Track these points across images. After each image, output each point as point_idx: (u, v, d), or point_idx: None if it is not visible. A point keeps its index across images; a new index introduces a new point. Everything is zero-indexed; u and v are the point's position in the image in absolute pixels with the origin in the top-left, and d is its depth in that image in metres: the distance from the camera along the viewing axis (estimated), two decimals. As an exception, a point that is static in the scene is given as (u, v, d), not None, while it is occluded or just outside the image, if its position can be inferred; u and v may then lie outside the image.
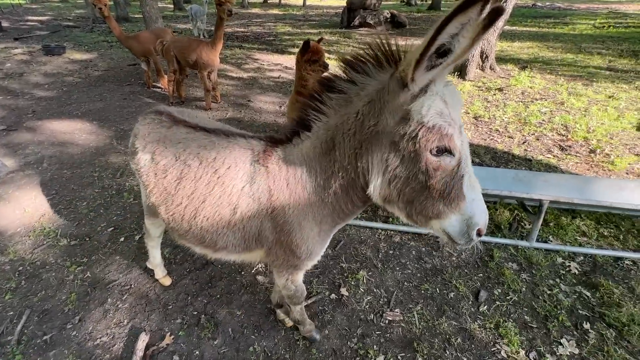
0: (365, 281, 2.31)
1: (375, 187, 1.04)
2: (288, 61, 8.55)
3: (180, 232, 1.52)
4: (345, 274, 2.35)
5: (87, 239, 2.66)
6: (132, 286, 2.26)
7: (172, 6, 20.24)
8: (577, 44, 10.18)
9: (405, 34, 12.63)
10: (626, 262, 2.51)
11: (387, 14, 13.78)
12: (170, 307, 2.12)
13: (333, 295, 2.19)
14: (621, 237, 2.74)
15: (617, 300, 2.18)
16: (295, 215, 1.28)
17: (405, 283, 2.31)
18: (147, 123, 1.59)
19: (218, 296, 2.19)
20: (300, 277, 1.62)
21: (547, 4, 23.49)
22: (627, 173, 3.71)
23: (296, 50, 9.89)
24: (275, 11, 21.27)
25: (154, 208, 1.58)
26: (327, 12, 20.54)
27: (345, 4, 14.18)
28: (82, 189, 3.28)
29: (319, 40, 2.81)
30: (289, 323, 2.02)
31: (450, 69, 0.88)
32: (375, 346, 1.90)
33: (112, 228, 2.78)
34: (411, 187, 0.97)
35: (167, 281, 2.29)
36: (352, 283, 2.29)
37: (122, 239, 2.66)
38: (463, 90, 6.28)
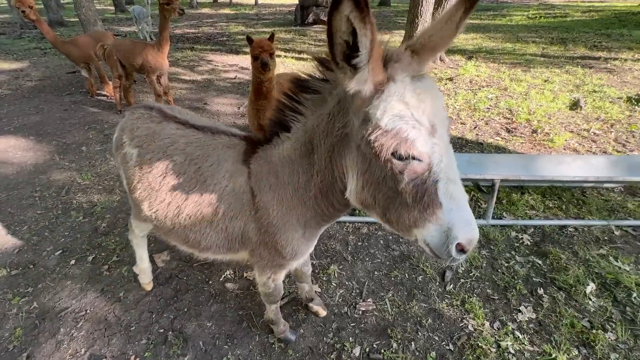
0: (336, 275, 2.32)
1: (352, 192, 0.99)
2: (244, 61, 8.35)
3: (165, 231, 1.49)
4: (317, 271, 2.35)
5: (31, 266, 2.40)
6: (88, 311, 2.08)
7: (112, 8, 18.90)
8: (515, 34, 11.02)
9: (359, 30, 12.87)
10: (569, 229, 2.76)
11: (340, 10, 13.92)
12: (133, 327, 1.98)
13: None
14: (563, 207, 3.01)
15: (564, 264, 2.39)
16: (279, 217, 1.25)
17: (376, 272, 2.36)
18: (136, 118, 1.55)
19: (185, 310, 2.08)
20: (282, 276, 1.58)
21: (486, -3, 25.12)
22: (564, 149, 4.08)
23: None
24: (226, 11, 20.66)
25: (137, 204, 1.51)
26: (280, 10, 20.34)
27: (297, 2, 14.13)
28: (21, 212, 2.96)
29: (270, 37, 2.72)
30: (323, 313, 2.02)
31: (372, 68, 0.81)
32: (351, 338, 1.92)
33: (60, 251, 2.54)
34: (383, 193, 0.91)
35: (148, 287, 2.20)
36: (324, 279, 2.29)
37: (72, 262, 2.43)
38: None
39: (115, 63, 4.76)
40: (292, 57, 8.61)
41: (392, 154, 0.83)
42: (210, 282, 2.27)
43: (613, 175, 2.84)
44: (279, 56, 8.75)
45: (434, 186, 0.84)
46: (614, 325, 1.98)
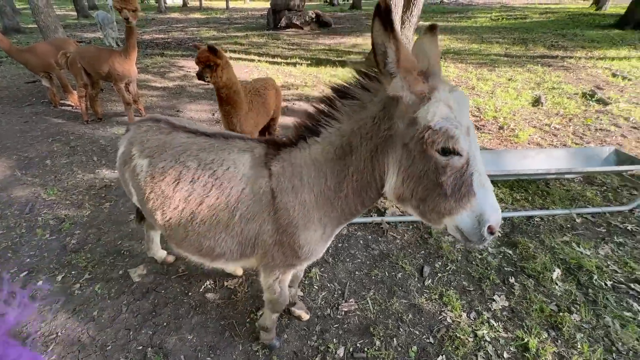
0: (318, 278, 2.33)
1: (391, 187, 1.09)
2: (217, 66, 8.21)
3: (177, 240, 1.47)
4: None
5: (-7, 291, 2.25)
6: (59, 334, 1.98)
7: (75, 13, 18.04)
8: (480, 35, 11.54)
9: (331, 33, 13.03)
10: (536, 219, 2.93)
11: (312, 14, 14.06)
12: (110, 347, 1.90)
13: (288, 298, 2.17)
14: (530, 198, 3.19)
15: (532, 253, 2.53)
16: (300, 217, 1.27)
17: (357, 272, 2.39)
18: (144, 130, 1.56)
19: (165, 324, 2.03)
20: (289, 277, 1.59)
21: (452, 0, 26.17)
22: (528, 143, 4.32)
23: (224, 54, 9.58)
24: (196, 15, 20.27)
25: (150, 217, 1.51)
26: (252, 15, 20.22)
27: (269, 6, 14.11)
28: (-21, 233, 2.76)
29: (210, 49, 2.55)
30: (306, 316, 2.02)
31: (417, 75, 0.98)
32: (334, 339, 1.94)
33: (26, 272, 2.39)
34: (423, 185, 1.02)
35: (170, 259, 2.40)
36: (306, 282, 2.29)
37: (39, 283, 2.30)
38: (390, 83, 6.70)
39: (80, 71, 4.56)
40: (266, 62, 8.59)
41: (438, 150, 0.96)
42: (190, 293, 2.22)
43: (572, 167, 3.05)
44: (253, 60, 8.71)
45: (470, 178, 0.98)
46: (578, 307, 2.11)
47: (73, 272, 2.40)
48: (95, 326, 2.02)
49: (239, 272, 2.34)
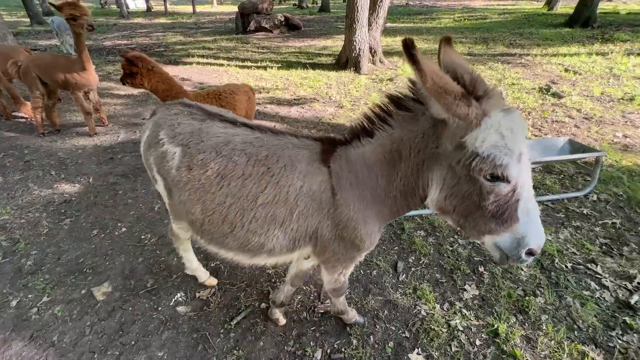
0: (293, 281, 2.31)
1: (433, 200, 1.14)
2: (184, 72, 8.02)
3: (217, 235, 1.42)
4: (273, 280, 2.32)
5: (-64, 323, 2.04)
6: (14, 364, 1.83)
7: (28, 20, 16.95)
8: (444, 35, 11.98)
9: (301, 36, 13.06)
10: (501, 209, 3.05)
11: (282, 17, 14.02)
12: (72, 373, 1.78)
13: (263, 305, 2.13)
14: (495, 190, 3.32)
15: (499, 241, 2.63)
16: (360, 212, 1.30)
17: (332, 273, 2.39)
18: (174, 114, 1.52)
19: (133, 343, 1.92)
20: (351, 269, 1.63)
21: (417, 2, 27.03)
22: (492, 137, 4.52)
23: (191, 59, 9.35)
24: (161, 20, 19.65)
25: (182, 207, 1.47)
26: (220, 19, 19.88)
27: (237, 10, 13.94)
28: None
29: (137, 58, 2.80)
30: (282, 321, 2.01)
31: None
32: (312, 342, 1.92)
33: (-26, 300, 2.20)
34: (465, 205, 1.05)
35: (213, 282, 2.25)
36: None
37: (-10, 311, 2.12)
38: (360, 84, 6.80)
39: (34, 80, 4.27)
40: (236, 66, 8.47)
41: (484, 176, 0.97)
42: (160, 308, 2.12)
43: (531, 157, 3.20)
44: (222, 65, 8.56)
45: (515, 204, 0.99)
46: (542, 290, 2.22)
47: (30, 296, 2.23)
48: (56, 352, 1.88)
49: (213, 282, 2.27)
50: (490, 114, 0.95)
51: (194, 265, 2.19)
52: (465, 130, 0.97)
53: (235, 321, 2.01)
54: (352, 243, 1.37)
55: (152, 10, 25.46)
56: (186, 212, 1.47)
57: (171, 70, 8.33)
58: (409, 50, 0.91)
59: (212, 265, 2.45)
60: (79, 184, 3.53)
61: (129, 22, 18.39)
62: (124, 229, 2.84)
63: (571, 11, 13.00)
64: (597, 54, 8.06)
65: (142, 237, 2.74)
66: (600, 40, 9.65)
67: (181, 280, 2.31)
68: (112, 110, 5.61)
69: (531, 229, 0.99)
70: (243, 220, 1.34)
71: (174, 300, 2.17)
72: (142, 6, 26.88)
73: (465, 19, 16.12)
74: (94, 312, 2.10)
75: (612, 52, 8.07)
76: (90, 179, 3.61)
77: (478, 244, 2.65)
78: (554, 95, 5.77)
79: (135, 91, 6.63)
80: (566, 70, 7.11)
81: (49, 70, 4.18)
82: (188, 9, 25.64)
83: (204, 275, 2.24)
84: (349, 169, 1.28)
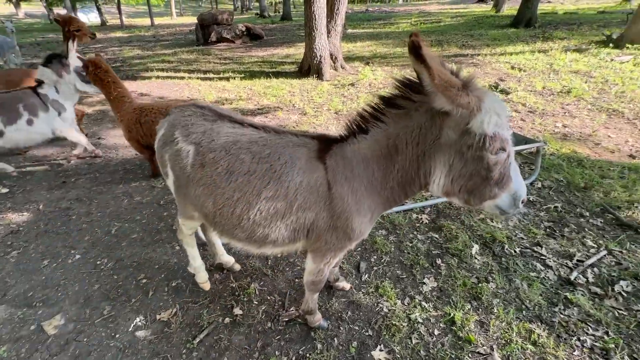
0: (257, 293, 2.30)
1: (439, 186, 1.26)
2: (143, 87, 7.78)
3: (227, 227, 1.54)
4: (237, 293, 2.29)
5: None
6: (-48, 415, 1.68)
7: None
8: (402, 39, 12.46)
9: (263, 45, 13.09)
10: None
11: (243, 27, 13.98)
12: (20, 416, 1.66)
13: (227, 319, 2.11)
14: (451, 184, 3.50)
15: (455, 234, 2.78)
16: (353, 204, 1.40)
17: (297, 280, 2.41)
18: (188, 115, 1.65)
19: (88, 375, 1.83)
20: (337, 259, 1.73)
21: (376, 8, 28.00)
22: (448, 134, 4.76)
23: (150, 73, 9.08)
24: (118, 34, 18.96)
25: (197, 201, 1.58)
26: (181, 30, 19.49)
27: (196, 21, 13.75)
28: None
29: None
30: (347, 286, 2.27)
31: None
32: (277, 352, 1.92)
33: None
34: (473, 182, 1.20)
35: (207, 286, 2.29)
36: (245, 299, 2.25)
37: None
38: (322, 90, 6.92)
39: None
40: (198, 78, 8.33)
41: (491, 151, 1.12)
42: (117, 335, 2.04)
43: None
44: (183, 78, 8.38)
45: (509, 167, 1.19)
46: (494, 276, 2.37)
47: (-31, 338, 2.06)
48: (1, 395, 1.75)
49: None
50: (483, 99, 1.11)
51: (197, 263, 2.22)
52: (469, 117, 1.11)
53: (198, 339, 1.97)
54: (344, 232, 1.47)
55: (107, 24, 24.51)
56: (201, 206, 1.59)
57: (129, 86, 7.99)
58: (417, 51, 1.03)
59: (173, 284, 2.39)
60: (28, 212, 3.31)
61: (82, 38, 17.55)
62: (77, 256, 2.70)
63: (515, 13, 13.99)
64: (539, 51, 8.73)
65: (98, 262, 2.62)
66: (541, 38, 10.46)
67: (140, 304, 2.23)
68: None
69: (519, 183, 1.20)
70: (249, 213, 1.45)
71: (132, 325, 2.10)
72: (96, 20, 25.80)
73: (421, 23, 16.89)
74: (45, 348, 1.98)
75: (551, 49, 8.77)
76: (41, 206, 3.40)
77: (436, 237, 2.78)
78: (502, 91, 6.18)
79: (89, 109, 6.36)
80: (512, 67, 7.63)
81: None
82: (146, 21, 24.94)
83: (203, 276, 2.27)
84: (344, 164, 1.39)
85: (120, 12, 24.19)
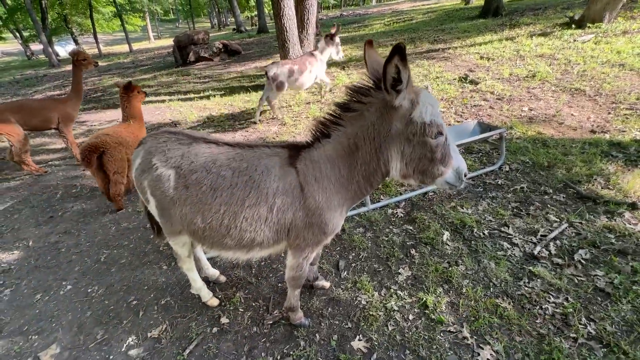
0: (243, 300, 2.42)
1: (397, 170, 1.48)
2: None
3: (217, 238, 1.68)
4: (223, 303, 2.41)
5: None
6: None
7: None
8: (376, 40, 12.74)
9: (242, 60, 13.29)
10: (429, 194, 3.38)
11: (220, 44, 14.19)
12: None
13: (215, 329, 2.22)
14: (424, 177, 3.67)
15: (428, 224, 2.93)
16: (324, 201, 1.57)
17: (280, 284, 2.53)
18: (163, 141, 1.75)
19: (85, 396, 1.93)
20: (314, 254, 1.85)
21: (350, 12, 28.49)
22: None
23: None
24: (99, 64, 19.03)
25: (184, 220, 1.69)
26: (159, 54, 19.65)
27: (172, 43, 13.92)
28: None
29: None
30: (327, 284, 2.44)
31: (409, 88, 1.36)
32: (263, 353, 2.04)
33: None
34: (422, 163, 1.41)
35: (214, 302, 2.38)
36: (231, 308, 2.36)
37: None
38: (300, 99, 7.09)
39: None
40: (178, 99, 8.47)
41: (431, 136, 1.35)
42: (111, 357, 2.13)
43: (446, 144, 3.58)
44: (163, 101, 8.51)
45: (448, 147, 1.41)
46: (464, 260, 2.52)
47: (-30, 377, 2.14)
48: None
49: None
50: (419, 93, 1.36)
51: (198, 285, 2.33)
52: (411, 109, 1.35)
53: (187, 351, 2.08)
54: (319, 228, 1.63)
55: (78, 47, 24.56)
56: (188, 224, 1.71)
57: (111, 115, 8.17)
58: (403, 54, 1.23)
59: (162, 302, 2.50)
60: (18, 250, 3.39)
61: (61, 71, 17.63)
62: (69, 287, 2.79)
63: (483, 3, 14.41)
64: (506, 39, 9.03)
65: (89, 290, 2.72)
66: (508, 26, 10.78)
67: (131, 325, 2.33)
68: (49, 164, 5.41)
69: (459, 159, 1.44)
70: (236, 222, 1.60)
71: (125, 345, 2.20)
72: (74, 52, 25.82)
73: (394, 23, 17.26)
74: (42, 377, 2.07)
75: (518, 36, 9.07)
76: (30, 243, 3.49)
77: (410, 229, 2.93)
78: (471, 82, 6.40)
79: (79, 140, 6.42)
80: (481, 57, 7.90)
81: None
82: (124, 48, 25.06)
83: (207, 295, 2.38)
84: (312, 166, 1.56)
85: (97, 41, 24.33)
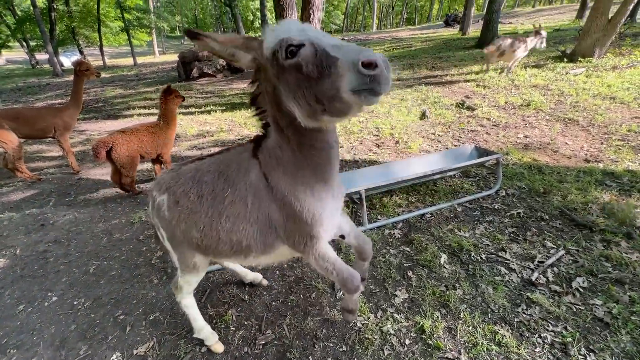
0: (234, 319, 2.34)
1: (301, 116, 1.23)
2: (124, 125, 7.88)
3: (213, 245, 1.65)
4: (214, 321, 2.33)
5: None
6: None
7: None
8: (376, 65, 13.14)
9: (244, 77, 13.56)
10: (427, 215, 3.38)
11: (223, 62, 14.51)
12: None
13: (204, 348, 2.13)
14: (422, 199, 3.68)
15: (425, 246, 2.91)
16: (288, 187, 1.48)
17: (273, 303, 2.47)
18: (161, 177, 1.80)
19: (62, 417, 1.81)
20: (323, 247, 1.65)
21: (352, 37, 29.49)
22: (419, 151, 5.02)
23: (132, 112, 9.27)
24: (101, 75, 19.29)
25: (185, 237, 1.70)
26: (163, 68, 20.01)
27: (177, 59, 14.22)
28: None
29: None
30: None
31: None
32: (253, 375, 1.96)
33: None
34: (309, 92, 1.11)
35: (219, 348, 2.12)
36: (222, 326, 2.28)
37: None
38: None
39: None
40: (180, 113, 8.52)
41: (288, 57, 1.11)
42: (93, 374, 2.04)
43: (443, 167, 3.63)
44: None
45: (325, 53, 1.06)
46: (461, 283, 2.49)
47: (-60, 392, 2.02)
48: None
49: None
50: (265, 36, 1.23)
51: (199, 324, 2.10)
52: (261, 52, 1.23)
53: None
54: (296, 217, 1.50)
55: (81, 57, 24.95)
56: (188, 240, 1.70)
57: (111, 125, 8.20)
58: (194, 35, 1.20)
59: (151, 317, 2.41)
60: (4, 258, 3.29)
61: (64, 81, 17.80)
62: (54, 299, 2.69)
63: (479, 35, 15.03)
64: (502, 69, 9.36)
65: (75, 302, 2.62)
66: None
67: (117, 340, 2.24)
68: (44, 172, 5.35)
69: (349, 53, 1.03)
70: (222, 223, 1.59)
71: (109, 363, 2.10)
72: (79, 63, 26.22)
73: (394, 49, 17.88)
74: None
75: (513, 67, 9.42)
76: (17, 251, 3.39)
77: (407, 251, 2.90)
78: (468, 108, 6.57)
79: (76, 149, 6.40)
80: (477, 85, 8.15)
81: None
82: (129, 61, 25.51)
83: (211, 338, 2.11)
84: (269, 154, 1.50)
85: (102, 54, 24.78)
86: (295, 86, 1.16)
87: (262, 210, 1.56)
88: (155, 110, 9.06)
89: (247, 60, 1.29)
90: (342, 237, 1.97)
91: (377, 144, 5.43)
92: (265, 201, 1.54)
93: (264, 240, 1.62)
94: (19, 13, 26.51)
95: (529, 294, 2.34)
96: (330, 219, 1.60)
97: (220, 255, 1.73)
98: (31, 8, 20.34)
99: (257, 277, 2.61)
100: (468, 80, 8.71)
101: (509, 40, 7.95)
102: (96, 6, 23.12)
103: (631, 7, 8.57)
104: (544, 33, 7.86)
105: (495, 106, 6.52)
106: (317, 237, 1.59)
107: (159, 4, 41.22)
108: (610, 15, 8.78)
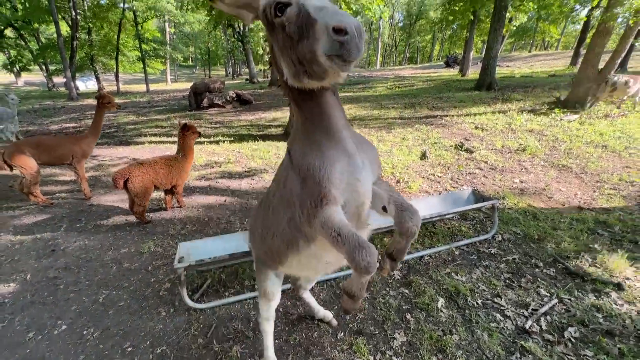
0: (239, 355, 2.42)
1: (287, 75, 1.23)
2: (135, 152, 8.23)
3: (269, 243, 1.74)
4: (219, 357, 2.41)
5: None
6: None
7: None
8: (379, 102, 13.76)
9: (252, 109, 14.16)
10: (425, 258, 3.52)
11: (233, 94, 15.22)
12: None
13: (208, 384, 2.21)
14: (421, 240, 3.83)
15: (423, 288, 3.02)
16: (301, 150, 1.41)
17: (276, 341, 2.54)
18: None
19: None
20: (329, 211, 1.37)
21: (356, 73, 30.89)
22: (419, 191, 5.22)
23: (143, 139, 9.65)
24: (120, 107, 20.10)
25: (257, 247, 1.93)
26: (174, 96, 20.86)
27: (190, 88, 14.94)
28: None
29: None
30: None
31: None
32: (255, 415, 2.02)
33: None
34: (293, 54, 1.12)
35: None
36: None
37: None
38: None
39: None
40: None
41: (277, 14, 1.13)
42: (100, 407, 2.10)
43: (442, 210, 3.82)
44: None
45: (306, 14, 1.06)
46: (457, 328, 2.58)
47: (-52, 419, 2.07)
48: None
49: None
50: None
51: (269, 353, 2.27)
52: (258, 6, 1.26)
53: (179, 407, 2.05)
54: (311, 180, 1.37)
55: (104, 90, 26.04)
56: (257, 249, 1.95)
57: (122, 151, 8.52)
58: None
59: (158, 350, 2.49)
60: (15, 283, 3.40)
61: (79, 104, 18.56)
62: (64, 327, 2.78)
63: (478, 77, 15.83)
64: (499, 112, 9.81)
65: (84, 332, 2.71)
66: (500, 100, 11.78)
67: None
68: (56, 197, 5.55)
69: (326, 14, 1.02)
70: (270, 216, 1.70)
71: (115, 395, 2.16)
72: (94, 87, 27.45)
73: (396, 87, 18.73)
74: None
75: (509, 110, 9.88)
76: (28, 276, 3.50)
77: (406, 293, 3.01)
78: (466, 150, 6.87)
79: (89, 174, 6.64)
80: (476, 127, 8.53)
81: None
82: (142, 87, 26.63)
83: None
84: (293, 136, 1.51)
85: (117, 80, 25.95)
86: (282, 45, 1.18)
87: (287, 183, 1.50)
88: (166, 139, 9.44)
89: (250, 19, 1.35)
90: (385, 209, 1.62)
91: (378, 182, 5.65)
92: (290, 176, 1.47)
93: (292, 226, 1.53)
94: (43, 40, 28.13)
95: (522, 342, 2.42)
96: (342, 178, 1.40)
97: (280, 256, 1.70)
98: (55, 35, 21.68)
99: (327, 315, 2.69)
100: (467, 122, 9.13)
101: (624, 78, 8.99)
102: (116, 36, 24.64)
103: (619, 60, 9.18)
104: None
105: (492, 149, 6.82)
106: (328, 199, 1.38)
107: (174, 37, 43.71)
108: (600, 67, 9.38)
